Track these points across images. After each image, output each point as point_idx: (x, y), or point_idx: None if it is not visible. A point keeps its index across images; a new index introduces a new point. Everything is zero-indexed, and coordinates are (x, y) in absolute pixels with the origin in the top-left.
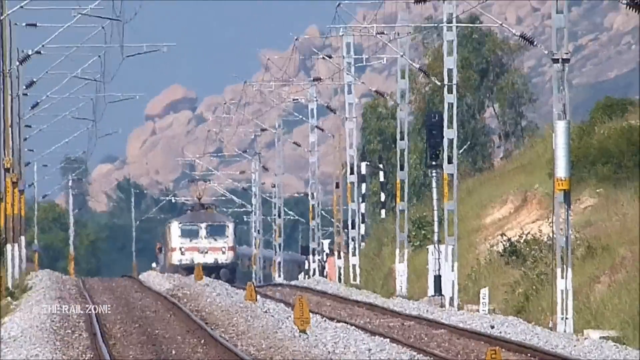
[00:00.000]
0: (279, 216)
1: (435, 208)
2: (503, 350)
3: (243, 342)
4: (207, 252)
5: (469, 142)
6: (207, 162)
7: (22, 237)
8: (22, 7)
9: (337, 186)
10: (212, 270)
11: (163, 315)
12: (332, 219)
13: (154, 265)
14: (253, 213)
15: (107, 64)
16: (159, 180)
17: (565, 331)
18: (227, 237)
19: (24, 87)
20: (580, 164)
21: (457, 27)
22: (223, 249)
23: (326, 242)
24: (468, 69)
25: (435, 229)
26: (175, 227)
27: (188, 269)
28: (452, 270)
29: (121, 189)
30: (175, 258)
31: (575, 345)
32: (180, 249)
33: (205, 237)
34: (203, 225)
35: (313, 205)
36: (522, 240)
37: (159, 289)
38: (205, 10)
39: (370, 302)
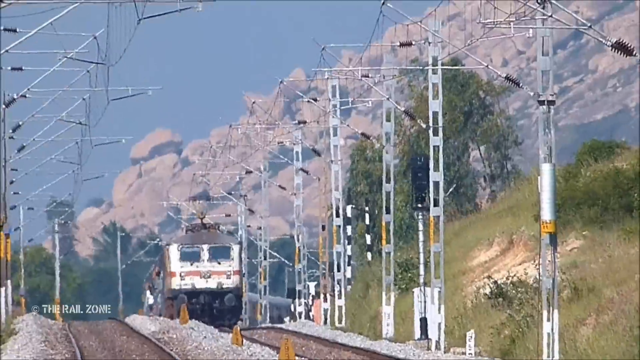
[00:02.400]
0: (265, 259)
1: (422, 250)
2: None
3: None
4: (209, 277)
5: (454, 185)
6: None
7: (9, 282)
8: (7, 51)
9: (323, 229)
10: (215, 296)
11: (149, 359)
12: (318, 262)
13: (148, 294)
14: None
15: (93, 107)
16: (144, 223)
17: None
18: (232, 259)
19: (10, 130)
20: (566, 206)
21: (442, 69)
22: (227, 273)
23: (312, 285)
24: (453, 111)
25: (421, 271)
26: (174, 250)
27: (189, 295)
28: (439, 312)
29: (107, 233)
30: (175, 283)
31: None
32: (180, 273)
33: (207, 260)
34: (205, 247)
35: (299, 248)
36: (508, 283)
37: (144, 332)
38: (191, 53)
39: (356, 346)
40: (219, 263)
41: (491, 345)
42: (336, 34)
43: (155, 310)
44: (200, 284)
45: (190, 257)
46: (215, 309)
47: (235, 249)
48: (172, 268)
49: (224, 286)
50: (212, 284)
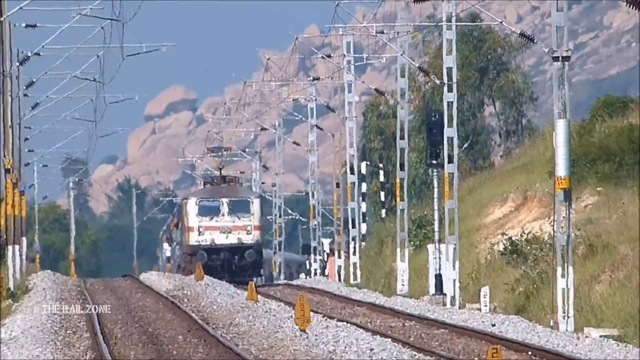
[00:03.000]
0: (280, 215)
1: (436, 207)
2: (504, 349)
3: (244, 341)
4: (229, 232)
5: (469, 141)
6: (207, 162)
7: (23, 239)
8: (21, 8)
9: (338, 185)
10: (235, 252)
11: (164, 315)
12: (332, 218)
13: (165, 246)
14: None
15: (107, 65)
16: (159, 180)
17: (566, 330)
18: (253, 214)
19: (24, 87)
20: (580, 162)
21: (456, 25)
22: (248, 228)
23: (327, 242)
24: (468, 68)
25: (436, 228)
26: (192, 204)
27: (208, 251)
28: (454, 269)
29: (122, 190)
30: (193, 239)
31: (576, 344)
32: (199, 228)
33: (227, 214)
34: (225, 200)
35: (313, 205)
36: (522, 239)
37: (159, 290)
38: (205, 10)
39: (371, 302)
40: (239, 218)
41: (506, 302)
42: None
43: (173, 263)
44: (220, 239)
45: (209, 211)
46: (235, 265)
47: (255, 202)
48: (191, 223)
49: (244, 242)
50: (231, 239)
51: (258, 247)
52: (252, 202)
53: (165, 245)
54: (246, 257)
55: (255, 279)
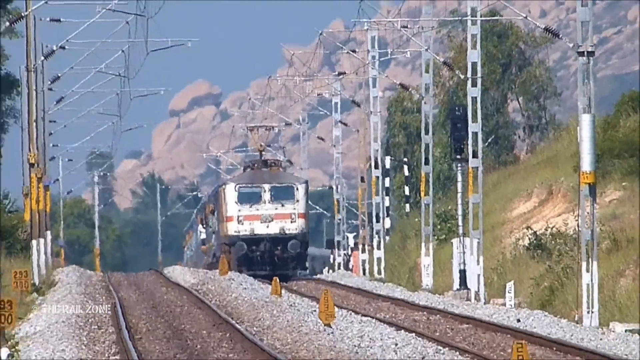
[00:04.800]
0: None
1: (460, 202)
2: (529, 343)
3: (268, 336)
4: (271, 221)
5: (493, 136)
6: (232, 157)
7: (48, 233)
8: (46, 2)
9: (362, 180)
10: (277, 242)
11: (189, 310)
12: (357, 213)
13: (200, 228)
14: None
15: (132, 59)
16: (184, 175)
17: (590, 324)
18: (297, 201)
19: (49, 82)
20: (605, 157)
21: (480, 20)
22: (292, 216)
23: (351, 236)
24: (492, 63)
25: (460, 222)
26: (231, 190)
27: (248, 242)
28: (478, 263)
29: (146, 185)
30: (232, 228)
31: (600, 339)
32: (238, 217)
33: (269, 201)
34: (267, 186)
35: (338, 200)
36: (547, 234)
37: (184, 284)
38: (229, 6)
39: (395, 297)
40: (282, 205)
41: (530, 297)
42: None
43: (208, 249)
44: (261, 229)
45: (249, 198)
46: (278, 257)
47: (300, 189)
48: (229, 211)
49: (288, 231)
50: (274, 229)
51: (303, 237)
52: (297, 188)
53: (200, 227)
54: (289, 249)
55: (299, 273)
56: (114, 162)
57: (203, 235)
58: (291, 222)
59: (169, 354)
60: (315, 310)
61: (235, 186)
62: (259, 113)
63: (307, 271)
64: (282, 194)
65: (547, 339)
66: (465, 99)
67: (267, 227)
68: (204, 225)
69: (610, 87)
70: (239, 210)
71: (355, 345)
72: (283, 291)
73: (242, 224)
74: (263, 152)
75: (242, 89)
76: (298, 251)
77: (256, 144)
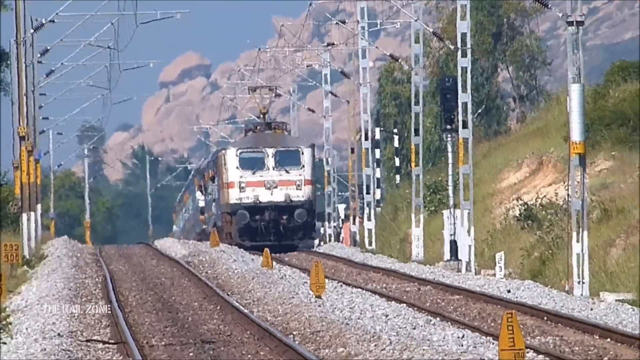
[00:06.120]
0: None
1: (451, 172)
2: (519, 313)
3: (259, 307)
4: (275, 188)
5: (483, 106)
6: (222, 129)
7: (38, 206)
8: None
9: (352, 151)
10: (282, 211)
11: (179, 282)
12: (347, 184)
13: (198, 194)
14: None
15: (121, 32)
16: (174, 147)
17: (581, 294)
18: (303, 166)
19: (38, 55)
20: (595, 127)
21: None
22: (298, 183)
23: (342, 207)
24: (482, 33)
25: (451, 193)
26: (232, 156)
27: (251, 210)
28: (468, 234)
29: (136, 157)
30: (233, 196)
31: (591, 309)
32: (240, 184)
33: (273, 167)
34: (270, 151)
35: (328, 171)
36: (537, 204)
37: (174, 256)
38: None
39: (386, 267)
40: (287, 171)
41: (521, 267)
42: None
43: (207, 217)
44: (265, 196)
45: (252, 164)
46: (283, 226)
47: (306, 153)
48: (230, 178)
49: (293, 199)
50: (278, 196)
51: (310, 205)
52: (303, 153)
53: (198, 193)
54: (295, 217)
55: (306, 242)
56: (105, 135)
57: (202, 203)
58: (297, 189)
59: (159, 326)
60: (306, 282)
61: (237, 151)
62: (248, 84)
63: (315, 241)
64: (287, 159)
65: (537, 309)
66: (455, 70)
67: (272, 194)
68: (202, 192)
69: (599, 57)
70: (241, 177)
71: (346, 317)
72: (274, 263)
73: (244, 191)
74: (266, 114)
75: (233, 59)
76: (305, 220)
77: (258, 104)
